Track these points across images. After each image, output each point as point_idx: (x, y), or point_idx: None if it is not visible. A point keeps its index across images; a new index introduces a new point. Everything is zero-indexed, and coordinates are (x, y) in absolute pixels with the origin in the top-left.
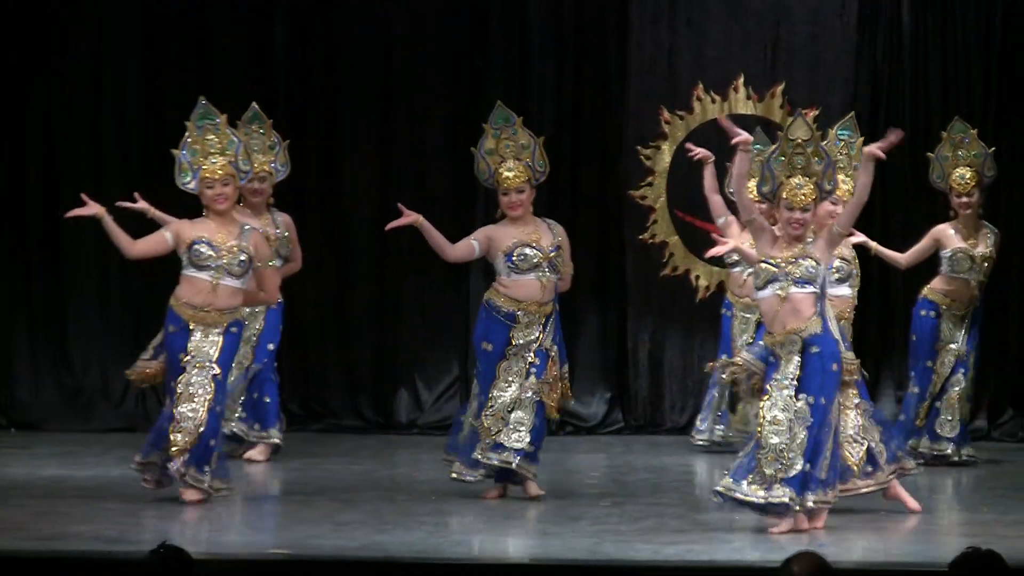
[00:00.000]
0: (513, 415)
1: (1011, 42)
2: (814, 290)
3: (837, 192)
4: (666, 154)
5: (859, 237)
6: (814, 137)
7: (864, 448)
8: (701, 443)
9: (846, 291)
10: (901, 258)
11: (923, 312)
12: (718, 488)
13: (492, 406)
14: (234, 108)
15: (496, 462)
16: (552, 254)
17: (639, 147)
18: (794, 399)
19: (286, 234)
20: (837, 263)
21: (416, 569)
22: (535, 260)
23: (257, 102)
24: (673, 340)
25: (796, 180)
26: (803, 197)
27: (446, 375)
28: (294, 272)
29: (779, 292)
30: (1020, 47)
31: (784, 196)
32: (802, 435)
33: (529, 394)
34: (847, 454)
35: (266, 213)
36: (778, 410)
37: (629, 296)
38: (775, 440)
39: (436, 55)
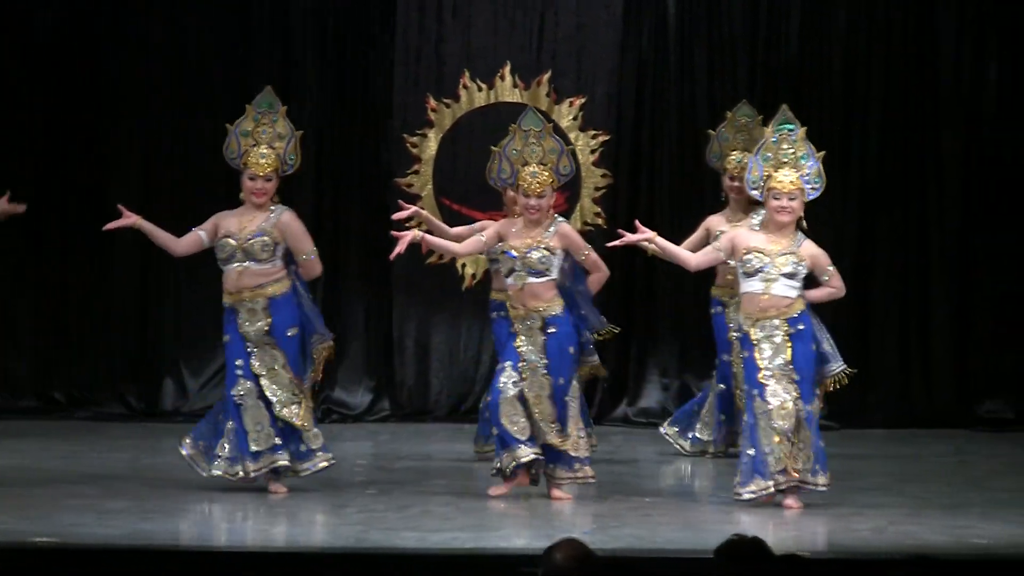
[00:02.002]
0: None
1: (775, 29)
2: (551, 278)
3: (779, 186)
4: (432, 142)
5: (646, 233)
6: (546, 127)
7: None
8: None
9: (788, 290)
10: (684, 254)
11: (712, 309)
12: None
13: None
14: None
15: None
16: (248, 242)
17: (405, 135)
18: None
19: None
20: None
21: (180, 557)
22: (230, 250)
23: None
24: (440, 328)
25: (531, 169)
26: (538, 185)
27: (212, 363)
28: None
29: (515, 282)
30: (784, 34)
31: (521, 185)
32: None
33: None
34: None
35: None
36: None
37: (395, 284)
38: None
39: (197, 44)
